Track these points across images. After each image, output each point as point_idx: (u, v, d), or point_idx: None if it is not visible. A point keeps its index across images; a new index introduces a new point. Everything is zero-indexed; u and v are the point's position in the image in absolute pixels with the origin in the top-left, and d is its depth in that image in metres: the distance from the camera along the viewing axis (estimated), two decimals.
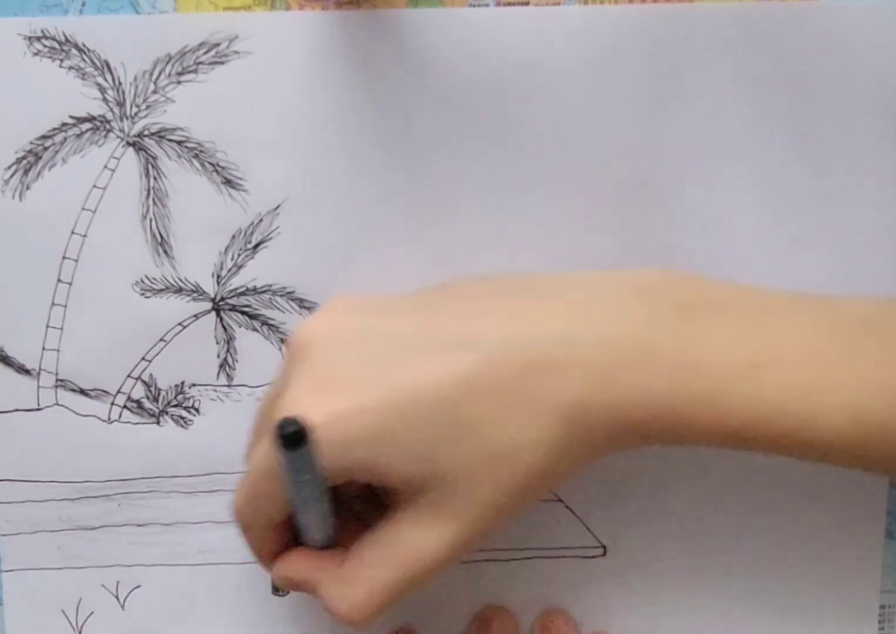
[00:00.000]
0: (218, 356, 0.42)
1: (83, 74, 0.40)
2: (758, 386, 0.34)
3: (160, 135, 0.41)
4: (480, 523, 0.35)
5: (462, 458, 0.34)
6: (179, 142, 0.41)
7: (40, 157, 0.41)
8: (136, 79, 0.41)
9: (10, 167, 0.41)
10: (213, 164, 0.41)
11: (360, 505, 0.39)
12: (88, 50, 0.40)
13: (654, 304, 0.35)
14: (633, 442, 0.35)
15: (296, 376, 0.35)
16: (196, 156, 0.41)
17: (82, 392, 0.42)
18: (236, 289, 0.42)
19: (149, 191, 0.41)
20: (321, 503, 0.35)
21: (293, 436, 0.31)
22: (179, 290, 0.42)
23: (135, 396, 0.42)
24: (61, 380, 0.42)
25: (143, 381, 0.42)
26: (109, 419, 0.43)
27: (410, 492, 0.35)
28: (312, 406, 0.34)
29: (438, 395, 0.34)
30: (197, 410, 0.42)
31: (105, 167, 0.41)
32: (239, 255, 0.42)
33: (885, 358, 0.35)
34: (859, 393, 0.34)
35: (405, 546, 0.35)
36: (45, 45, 0.40)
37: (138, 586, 0.44)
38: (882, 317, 0.36)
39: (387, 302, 0.38)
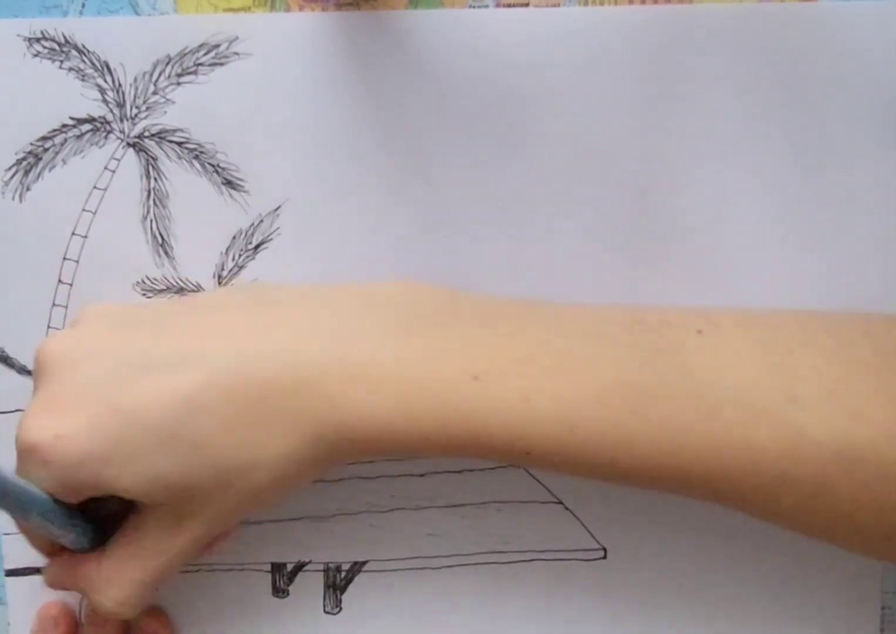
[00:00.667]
0: None
1: (83, 76, 0.40)
2: (476, 398, 0.35)
3: (160, 136, 0.41)
4: (215, 527, 0.36)
5: (192, 476, 0.35)
6: (180, 144, 0.41)
7: (40, 159, 0.41)
8: (136, 80, 0.41)
9: (10, 168, 0.41)
10: (213, 165, 0.41)
11: (114, 504, 0.39)
12: (88, 51, 0.40)
13: (382, 319, 0.36)
14: (367, 455, 0.36)
15: (34, 395, 0.36)
16: (196, 157, 0.41)
17: None
18: None
19: (149, 192, 0.41)
20: (35, 524, 0.36)
21: None
22: (180, 291, 0.42)
23: None
24: None
25: None
26: None
27: (146, 503, 0.36)
28: (42, 426, 0.35)
29: (163, 414, 0.34)
30: None
31: (105, 168, 0.41)
32: (240, 256, 0.42)
33: (599, 366, 0.35)
34: (574, 401, 0.35)
35: (150, 547, 0.36)
36: (44, 47, 0.40)
37: None
38: (602, 330, 0.36)
39: (130, 313, 0.38)
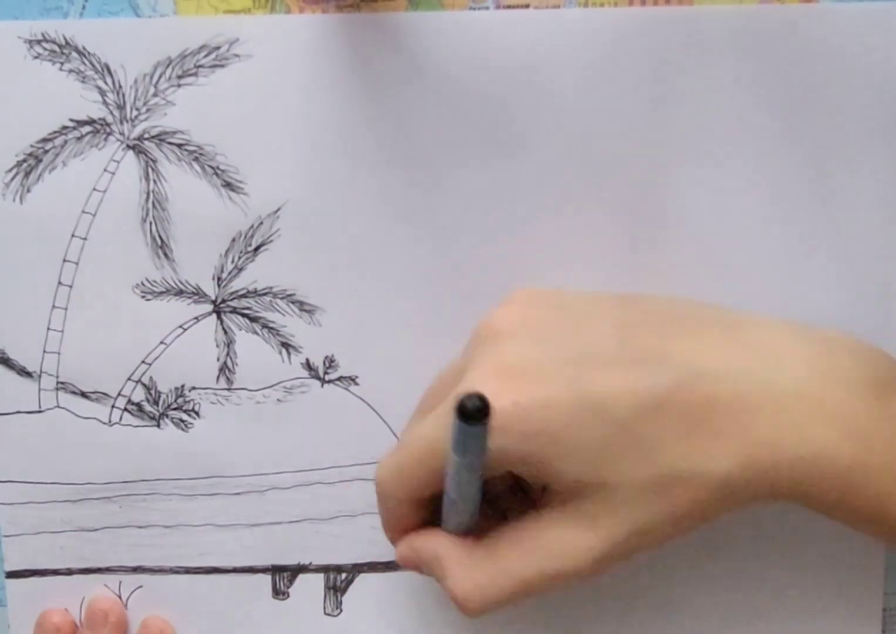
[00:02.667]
0: (218, 359, 0.42)
1: (83, 77, 0.40)
2: None
3: (160, 138, 0.41)
4: (628, 542, 0.35)
5: (633, 474, 0.34)
6: (179, 146, 0.41)
7: (40, 160, 0.41)
8: (136, 82, 0.41)
9: (10, 170, 0.41)
10: (213, 167, 0.41)
11: (505, 501, 0.39)
12: (89, 53, 0.40)
13: (854, 370, 0.35)
14: (811, 497, 0.35)
15: (481, 360, 0.35)
16: (196, 159, 0.41)
17: (83, 394, 0.42)
18: (237, 291, 0.42)
19: (149, 194, 0.41)
20: (473, 487, 0.35)
21: (475, 411, 0.30)
22: (180, 293, 0.42)
23: (135, 399, 0.42)
24: (62, 383, 0.42)
25: (144, 384, 0.42)
26: (110, 421, 0.43)
27: (569, 495, 0.35)
28: (496, 391, 0.33)
29: (625, 408, 0.34)
30: (197, 413, 0.42)
31: (105, 170, 0.41)
32: (239, 258, 0.42)
33: None
34: None
35: (546, 545, 0.35)
36: (45, 49, 0.40)
37: (140, 586, 0.44)
38: None
39: (575, 301, 0.37)
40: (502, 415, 0.33)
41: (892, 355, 0.37)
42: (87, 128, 0.41)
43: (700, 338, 0.35)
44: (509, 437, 0.34)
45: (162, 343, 0.42)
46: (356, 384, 0.42)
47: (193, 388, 0.42)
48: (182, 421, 0.43)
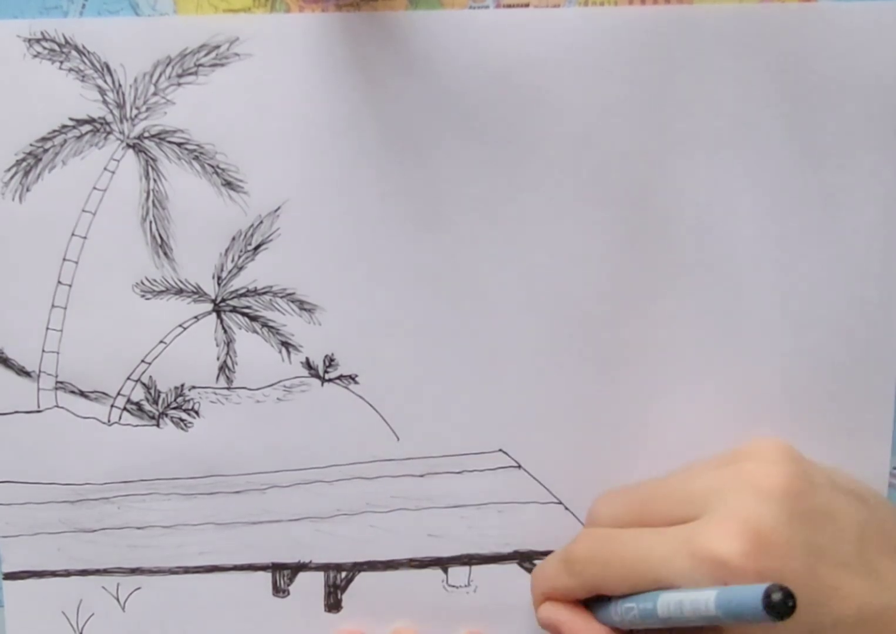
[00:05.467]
0: (218, 358, 0.42)
1: (83, 76, 0.40)
2: None
3: (160, 137, 0.41)
4: None
5: None
6: (179, 144, 0.41)
7: (40, 159, 0.41)
8: (136, 81, 0.41)
9: (9, 169, 0.41)
10: (213, 166, 0.41)
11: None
12: (88, 52, 0.40)
13: None
14: None
15: (732, 513, 0.35)
16: (196, 158, 0.41)
17: (82, 394, 0.42)
18: (237, 290, 0.42)
19: (149, 192, 0.41)
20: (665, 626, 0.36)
21: (785, 611, 0.30)
22: (180, 292, 0.42)
23: (134, 398, 0.42)
24: (61, 382, 0.42)
25: (143, 383, 0.42)
26: (109, 421, 0.43)
27: None
28: (740, 553, 0.34)
29: (842, 613, 0.34)
30: (196, 412, 0.42)
31: (105, 169, 0.41)
32: (239, 257, 0.42)
33: None
34: None
35: None
36: (44, 47, 0.40)
37: (139, 588, 0.44)
38: None
39: (821, 482, 0.37)
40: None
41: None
42: (87, 127, 0.41)
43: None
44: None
45: (161, 342, 0.42)
46: (356, 383, 0.42)
47: (193, 387, 0.42)
48: (182, 420, 0.43)
